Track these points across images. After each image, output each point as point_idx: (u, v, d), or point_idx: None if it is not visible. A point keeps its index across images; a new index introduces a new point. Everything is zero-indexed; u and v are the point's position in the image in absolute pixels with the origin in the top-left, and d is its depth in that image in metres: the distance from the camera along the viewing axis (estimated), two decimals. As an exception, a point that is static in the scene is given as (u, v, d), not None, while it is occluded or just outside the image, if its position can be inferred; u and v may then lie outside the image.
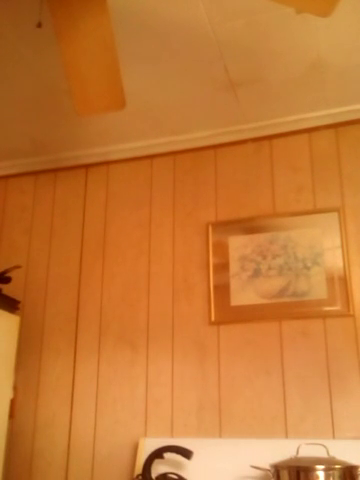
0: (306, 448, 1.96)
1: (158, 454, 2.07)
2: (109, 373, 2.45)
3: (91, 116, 2.44)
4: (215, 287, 2.40)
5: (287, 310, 2.28)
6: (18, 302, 2.60)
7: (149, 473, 2.04)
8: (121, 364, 2.44)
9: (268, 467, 1.89)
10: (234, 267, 2.40)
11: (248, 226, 2.45)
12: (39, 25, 1.80)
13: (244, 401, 2.23)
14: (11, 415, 2.44)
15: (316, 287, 2.26)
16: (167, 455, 2.09)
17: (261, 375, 2.24)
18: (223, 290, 2.39)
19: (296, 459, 1.86)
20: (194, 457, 2.12)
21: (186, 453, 2.04)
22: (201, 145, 2.66)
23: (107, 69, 1.75)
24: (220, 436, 2.22)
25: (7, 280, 2.50)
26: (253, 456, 2.06)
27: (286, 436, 2.13)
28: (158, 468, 2.12)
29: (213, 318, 2.37)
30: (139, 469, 2.13)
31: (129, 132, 2.65)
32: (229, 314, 2.35)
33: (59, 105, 2.43)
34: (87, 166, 2.84)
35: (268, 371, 2.24)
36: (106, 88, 1.82)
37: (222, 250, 2.45)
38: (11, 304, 2.54)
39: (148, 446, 2.21)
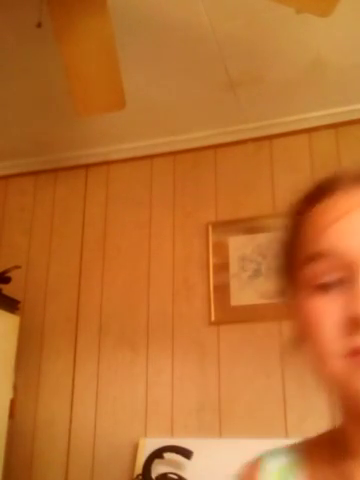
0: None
1: (158, 454, 2.07)
2: (109, 373, 2.45)
3: (91, 116, 2.44)
4: (215, 287, 2.40)
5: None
6: (18, 302, 2.60)
7: (149, 473, 2.04)
8: (121, 364, 2.44)
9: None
10: (234, 267, 2.40)
11: (248, 226, 2.45)
12: (39, 25, 1.80)
13: (244, 401, 2.23)
14: (11, 415, 2.44)
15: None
16: (167, 455, 2.09)
17: (261, 375, 2.24)
18: (223, 290, 2.39)
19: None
20: (194, 457, 2.12)
21: (186, 453, 2.04)
22: (201, 145, 2.66)
23: (107, 69, 1.75)
24: (220, 436, 2.22)
25: (7, 280, 2.49)
26: (253, 456, 2.05)
27: (286, 436, 2.13)
28: (158, 468, 2.11)
29: (213, 318, 2.37)
30: (139, 469, 2.13)
31: (129, 132, 2.65)
32: (229, 314, 2.35)
33: (59, 105, 2.43)
34: (87, 166, 2.84)
35: (268, 371, 2.24)
36: (106, 88, 1.82)
37: (222, 250, 2.45)
38: (11, 304, 2.54)
39: (148, 446, 2.21)
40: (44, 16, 1.81)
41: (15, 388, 2.51)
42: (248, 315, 2.32)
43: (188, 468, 2.12)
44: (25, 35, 2.01)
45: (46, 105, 2.44)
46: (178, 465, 2.13)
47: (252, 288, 2.35)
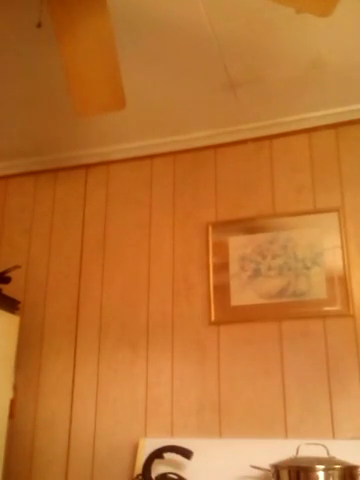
0: (306, 448, 1.96)
1: (158, 454, 2.07)
2: (109, 373, 2.45)
3: (91, 116, 2.44)
4: (215, 287, 2.40)
5: (287, 310, 2.27)
6: (18, 302, 2.60)
7: (149, 473, 2.04)
8: (121, 364, 2.44)
9: (268, 467, 1.89)
10: (234, 267, 2.40)
11: (248, 226, 2.45)
12: (39, 25, 1.80)
13: (244, 401, 2.23)
14: (11, 415, 2.44)
15: (316, 287, 2.26)
16: (167, 455, 2.09)
17: (261, 375, 2.24)
18: (223, 290, 2.39)
19: (296, 459, 1.86)
20: (194, 457, 2.12)
21: (186, 453, 2.04)
22: (201, 145, 2.66)
23: (107, 69, 1.75)
24: (220, 436, 2.22)
25: (7, 280, 2.49)
26: (253, 456, 2.06)
27: (286, 436, 2.13)
28: (158, 468, 2.12)
29: (213, 318, 2.37)
30: (139, 469, 2.13)
31: (129, 132, 2.65)
32: (229, 314, 2.35)
33: (59, 105, 2.43)
34: (87, 166, 2.84)
35: (268, 371, 2.24)
36: (106, 88, 1.82)
37: (222, 250, 2.45)
38: (11, 304, 2.54)
39: (148, 446, 2.21)
40: (44, 16, 1.81)
41: (15, 388, 2.51)
42: (248, 315, 2.32)
43: (188, 468, 2.12)
44: (25, 35, 2.01)
45: (46, 105, 2.44)
46: (178, 465, 2.13)
47: (252, 288, 2.35)
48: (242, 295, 2.35)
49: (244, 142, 2.60)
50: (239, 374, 2.27)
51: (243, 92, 2.34)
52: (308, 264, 2.30)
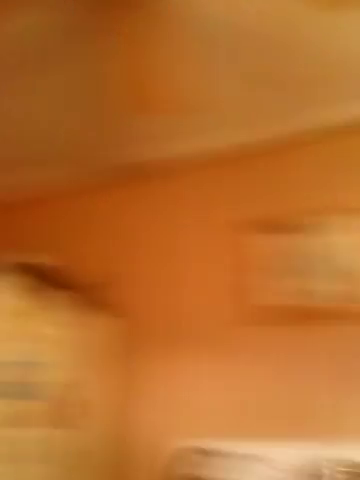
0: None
1: (187, 454, 2.09)
2: (142, 373, 2.46)
3: (150, 117, 2.48)
4: (239, 287, 2.36)
5: (312, 312, 2.21)
6: (118, 307, 2.54)
7: (179, 473, 2.08)
8: (154, 364, 2.44)
9: (303, 470, 1.84)
10: (259, 267, 2.35)
11: (274, 225, 2.38)
12: (96, 28, 1.88)
13: (270, 402, 2.20)
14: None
15: (340, 289, 2.18)
16: (194, 456, 2.10)
17: (286, 376, 2.20)
18: (247, 290, 2.34)
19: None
20: (230, 459, 2.10)
21: (212, 453, 2.06)
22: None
23: (165, 72, 1.81)
24: (254, 438, 2.13)
25: (106, 287, 2.50)
26: (286, 458, 2.01)
27: (311, 438, 2.03)
28: (188, 469, 2.12)
29: (238, 319, 2.33)
30: (169, 469, 2.16)
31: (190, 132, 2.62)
32: (253, 315, 2.30)
33: (115, 112, 2.38)
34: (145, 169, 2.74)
35: (298, 373, 2.19)
36: (164, 89, 1.90)
37: (247, 249, 2.40)
38: (113, 310, 2.51)
39: (176, 447, 2.21)
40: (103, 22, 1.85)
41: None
42: (272, 316, 2.26)
43: (219, 469, 2.10)
44: (80, 36, 1.96)
45: (105, 113, 2.43)
46: (211, 466, 2.12)
47: (276, 289, 2.29)
48: (266, 295, 2.30)
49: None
50: (264, 375, 2.23)
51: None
52: (333, 266, 2.22)
